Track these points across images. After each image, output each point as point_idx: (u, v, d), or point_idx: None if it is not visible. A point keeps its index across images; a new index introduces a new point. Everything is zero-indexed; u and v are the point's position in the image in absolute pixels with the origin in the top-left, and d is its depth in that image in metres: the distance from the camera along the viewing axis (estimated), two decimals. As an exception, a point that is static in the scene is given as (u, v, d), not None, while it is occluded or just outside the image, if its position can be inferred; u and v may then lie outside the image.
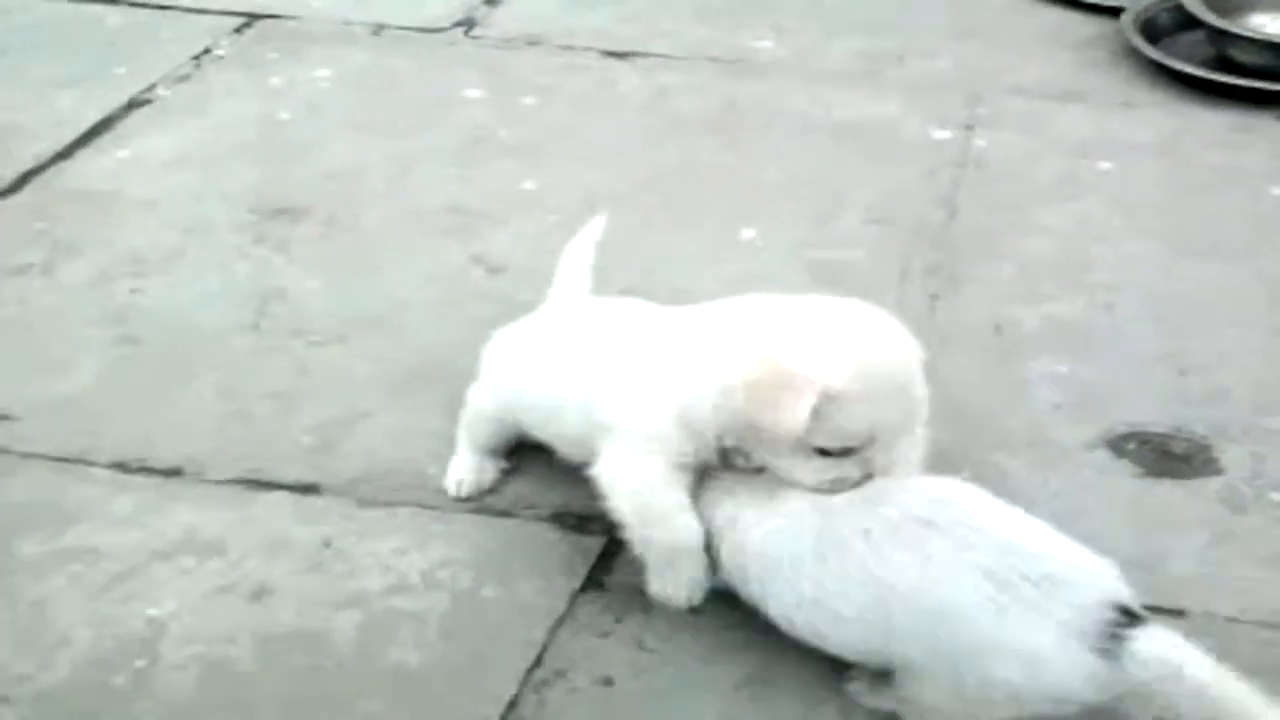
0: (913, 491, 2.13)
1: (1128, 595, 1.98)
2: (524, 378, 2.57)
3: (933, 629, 2.00)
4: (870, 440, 2.13)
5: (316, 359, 3.04)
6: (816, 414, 2.06)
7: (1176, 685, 1.91)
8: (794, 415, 2.05)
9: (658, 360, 2.30)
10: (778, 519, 2.19)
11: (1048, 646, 1.92)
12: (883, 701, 2.19)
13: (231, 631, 2.35)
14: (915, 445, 2.25)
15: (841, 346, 2.09)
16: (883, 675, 2.17)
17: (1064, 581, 1.95)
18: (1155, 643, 1.92)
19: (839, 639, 2.14)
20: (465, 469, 2.66)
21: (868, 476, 2.17)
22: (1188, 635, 2.01)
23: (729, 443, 2.24)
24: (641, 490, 2.30)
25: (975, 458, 2.63)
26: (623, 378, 2.32)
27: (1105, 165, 3.82)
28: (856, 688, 2.22)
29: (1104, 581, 1.98)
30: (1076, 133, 3.98)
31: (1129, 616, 1.94)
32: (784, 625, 2.20)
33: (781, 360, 2.07)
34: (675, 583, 2.35)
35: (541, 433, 2.57)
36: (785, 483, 2.20)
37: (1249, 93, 4.07)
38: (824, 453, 2.14)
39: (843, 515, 2.13)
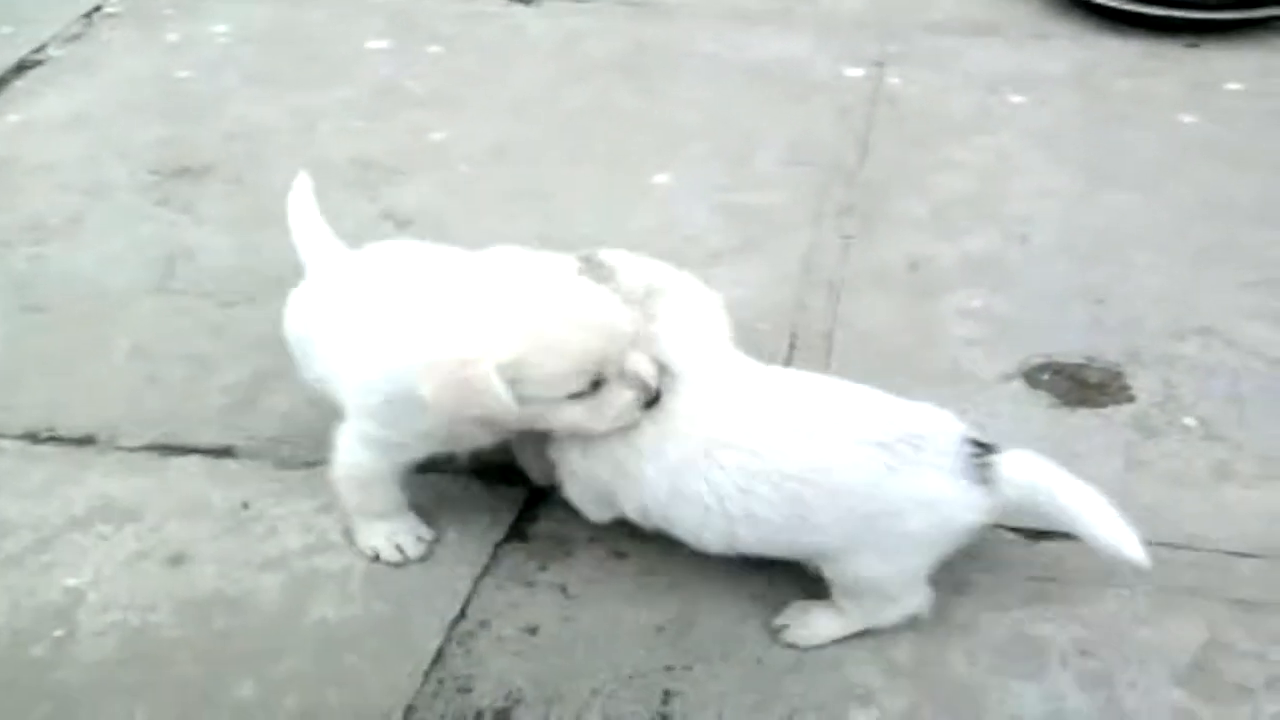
0: (768, 389, 2.19)
1: (976, 431, 2.16)
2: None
3: (844, 506, 2.08)
4: (599, 373, 2.10)
5: (228, 319, 2.99)
6: (512, 383, 2.05)
7: (1049, 499, 2.15)
8: (496, 399, 2.05)
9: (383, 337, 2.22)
10: (667, 447, 2.17)
11: (942, 490, 2.09)
12: (815, 634, 2.23)
13: (151, 598, 2.32)
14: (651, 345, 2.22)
15: (502, 318, 2.07)
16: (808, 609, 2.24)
17: (928, 433, 2.11)
18: (1020, 465, 2.14)
19: (754, 540, 2.16)
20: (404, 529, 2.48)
21: (645, 392, 2.14)
22: (1104, 559, 2.12)
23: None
24: (360, 484, 2.35)
25: (892, 393, 2.63)
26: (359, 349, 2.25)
27: (1018, 99, 3.83)
28: (790, 631, 2.25)
29: (954, 424, 2.15)
30: (989, 67, 3.99)
31: (984, 448, 2.12)
32: (694, 542, 2.20)
33: (451, 350, 2.06)
34: (382, 535, 2.39)
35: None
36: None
37: (1159, 21, 4.10)
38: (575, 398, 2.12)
39: (724, 425, 2.14)
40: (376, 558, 2.38)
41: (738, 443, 2.10)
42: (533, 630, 2.26)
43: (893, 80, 3.89)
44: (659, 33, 4.17)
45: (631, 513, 2.24)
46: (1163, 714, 2.12)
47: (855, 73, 3.93)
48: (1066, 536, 2.38)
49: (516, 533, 2.45)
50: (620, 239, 3.16)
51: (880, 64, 3.97)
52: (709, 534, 2.16)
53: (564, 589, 2.33)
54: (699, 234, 3.18)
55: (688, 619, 2.27)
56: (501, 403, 2.04)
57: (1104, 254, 3.16)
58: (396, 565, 2.38)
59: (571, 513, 2.44)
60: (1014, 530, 2.42)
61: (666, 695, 2.15)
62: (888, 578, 2.18)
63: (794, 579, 2.31)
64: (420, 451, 2.31)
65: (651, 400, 2.14)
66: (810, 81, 3.90)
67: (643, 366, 2.13)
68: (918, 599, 2.23)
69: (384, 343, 2.17)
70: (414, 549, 2.40)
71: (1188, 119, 3.74)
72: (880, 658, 2.20)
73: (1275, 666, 2.20)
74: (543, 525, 2.46)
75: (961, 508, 2.11)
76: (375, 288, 2.30)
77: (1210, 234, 3.24)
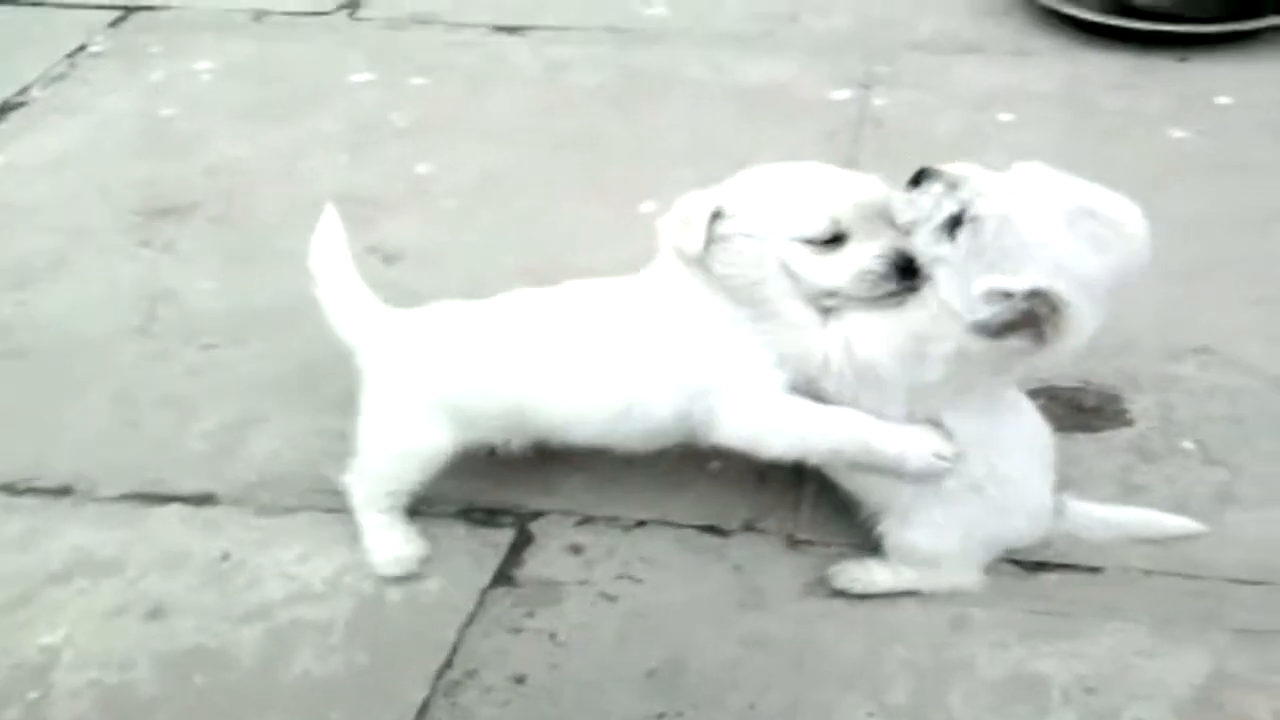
0: None
1: None
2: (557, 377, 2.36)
3: None
4: (836, 225, 2.15)
5: (210, 362, 2.95)
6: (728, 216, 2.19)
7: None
8: (694, 233, 2.19)
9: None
10: None
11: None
12: (866, 583, 2.33)
13: (129, 654, 2.27)
14: None
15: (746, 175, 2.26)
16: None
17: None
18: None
19: None
20: (397, 541, 2.46)
21: (900, 255, 2.14)
22: (1105, 589, 2.13)
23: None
24: (798, 420, 2.23)
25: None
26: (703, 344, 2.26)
27: (1005, 116, 3.79)
28: (840, 577, 2.33)
29: None
30: (975, 85, 3.94)
31: None
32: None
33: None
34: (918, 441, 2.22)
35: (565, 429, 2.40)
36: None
37: (1145, 36, 4.06)
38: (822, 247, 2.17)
39: None
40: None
41: None
42: (520, 679, 2.21)
43: (879, 101, 3.85)
44: (644, 59, 4.13)
45: None
46: (1169, 752, 2.08)
47: (841, 94, 3.89)
48: (1066, 567, 2.37)
49: (503, 577, 2.40)
50: (608, 269, 3.14)
51: (866, 85, 3.93)
52: None
53: (552, 635, 2.29)
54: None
55: (679, 663, 2.22)
56: (696, 236, 2.18)
57: (1098, 274, 3.10)
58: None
59: (557, 555, 2.41)
60: (1012, 562, 2.38)
61: (659, 743, 2.11)
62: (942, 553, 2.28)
63: (790, 622, 2.28)
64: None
65: (909, 268, 2.13)
66: (796, 104, 3.86)
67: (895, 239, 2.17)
68: (970, 576, 2.31)
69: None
70: None
71: (1178, 133, 3.70)
72: (875, 701, 2.15)
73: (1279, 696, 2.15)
74: (530, 569, 2.41)
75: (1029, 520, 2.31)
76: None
77: (1205, 250, 3.19)
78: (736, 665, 2.22)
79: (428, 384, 2.40)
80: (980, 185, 2.09)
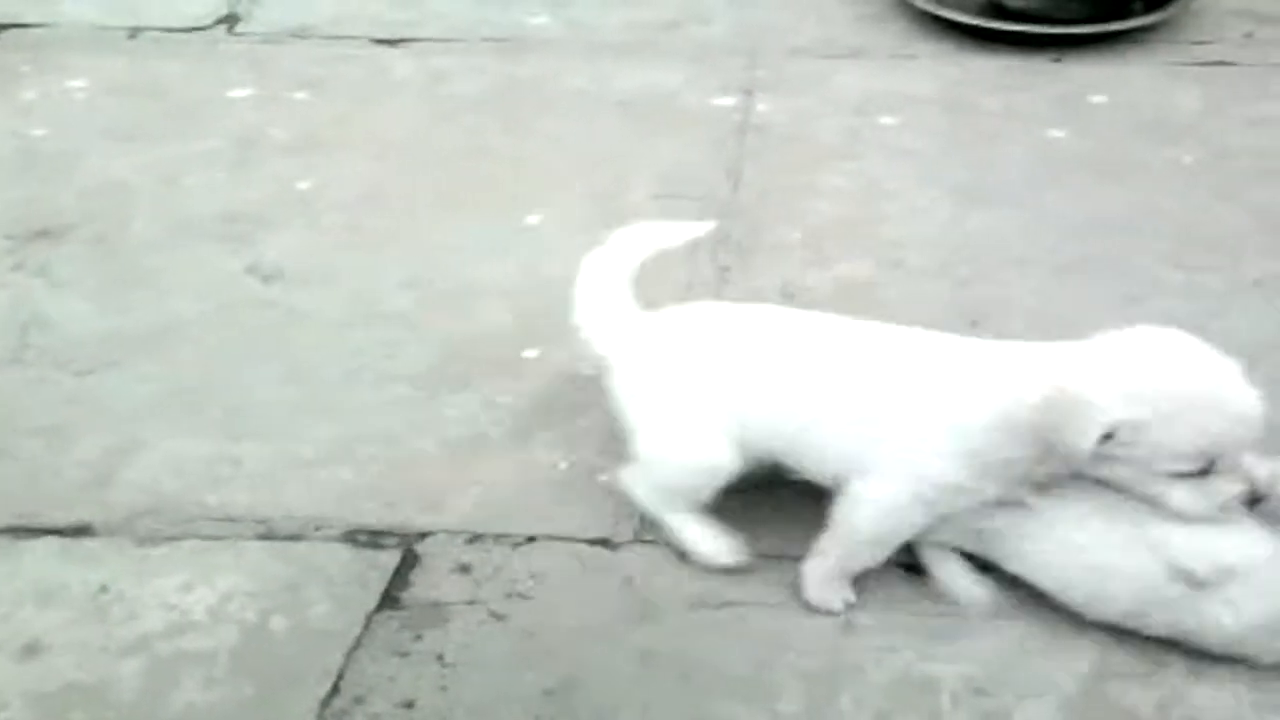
0: None
1: None
2: (802, 407, 2.32)
3: None
4: (1211, 459, 2.11)
5: (86, 388, 2.88)
6: (1119, 440, 2.08)
7: None
8: (1083, 438, 2.08)
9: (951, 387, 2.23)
10: None
11: None
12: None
13: (1, 694, 2.20)
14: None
15: (1138, 374, 2.11)
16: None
17: None
18: None
19: None
20: (712, 533, 2.43)
21: (1252, 490, 2.15)
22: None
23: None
24: (891, 525, 2.29)
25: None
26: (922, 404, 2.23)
27: (887, 120, 3.82)
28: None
29: None
30: (857, 90, 3.97)
31: None
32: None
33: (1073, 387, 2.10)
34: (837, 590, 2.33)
35: (795, 462, 2.37)
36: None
37: (1022, 37, 4.11)
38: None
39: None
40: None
41: None
42: (409, 704, 2.18)
43: (762, 108, 3.86)
44: (527, 69, 4.10)
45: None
46: (1056, 749, 2.10)
47: (725, 101, 3.89)
48: None
49: (389, 600, 2.36)
50: (492, 283, 3.13)
51: (749, 91, 3.94)
52: None
53: (440, 657, 2.25)
54: (573, 274, 3.10)
55: (573, 681, 2.20)
56: (1085, 445, 2.07)
57: (978, 274, 3.15)
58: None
59: (445, 576, 2.38)
60: (900, 566, 2.39)
61: (553, 761, 2.09)
62: None
63: (681, 634, 2.28)
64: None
65: (1255, 501, 2.14)
66: (680, 112, 3.86)
67: (1260, 467, 2.15)
68: None
69: (992, 386, 2.19)
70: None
71: (1056, 133, 3.76)
72: (768, 710, 2.15)
73: (1161, 690, 2.18)
74: (416, 590, 2.38)
75: None
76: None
77: (1082, 248, 3.25)
78: (629, 681, 2.20)
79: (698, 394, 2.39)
80: None
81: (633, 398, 2.45)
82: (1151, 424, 2.06)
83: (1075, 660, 2.23)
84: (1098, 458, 2.10)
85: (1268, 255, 3.23)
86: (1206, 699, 2.16)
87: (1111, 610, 2.22)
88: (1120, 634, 2.25)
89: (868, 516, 2.27)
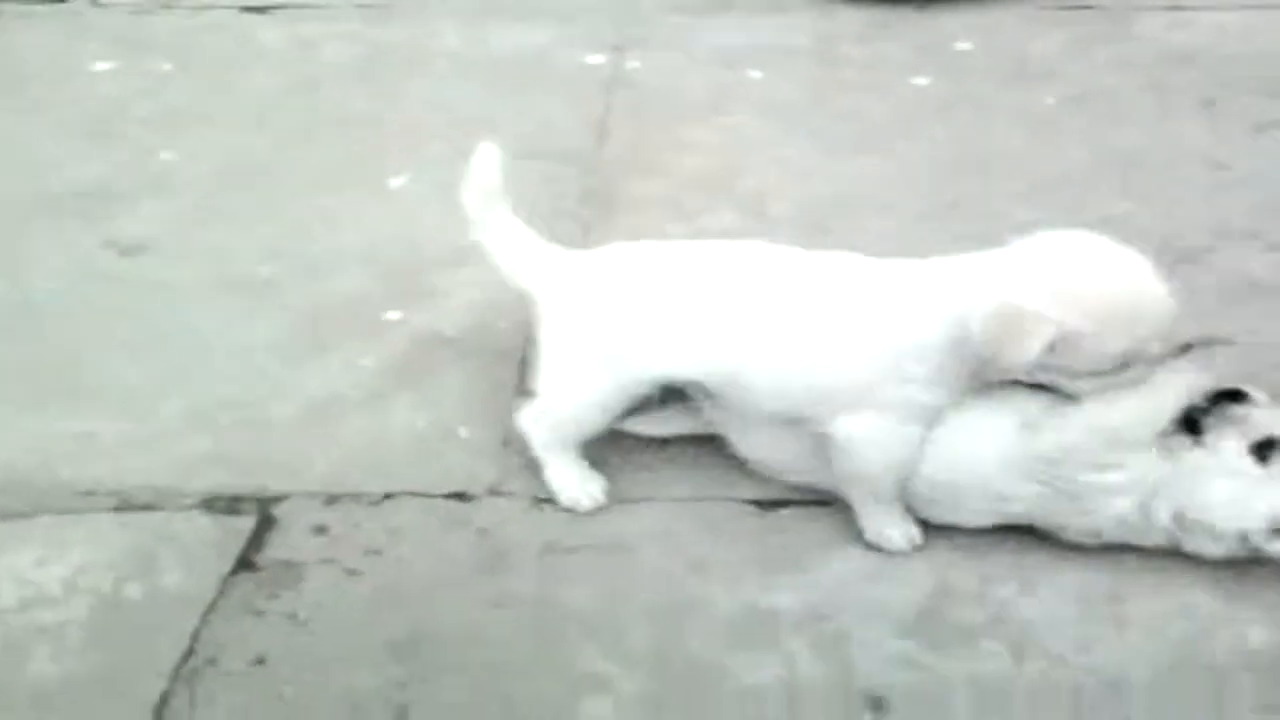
0: None
1: None
2: (729, 339, 2.35)
3: None
4: (1130, 360, 2.20)
5: (-58, 363, 2.85)
6: (1054, 350, 2.16)
7: None
8: (1028, 353, 2.16)
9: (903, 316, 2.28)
10: None
11: None
12: None
13: None
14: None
15: (1073, 285, 2.18)
16: None
17: None
18: None
19: None
20: (580, 478, 2.48)
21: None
22: (835, 520, 2.10)
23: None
24: (898, 454, 2.31)
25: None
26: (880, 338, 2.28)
27: (755, 74, 3.86)
28: None
29: None
30: (726, 44, 4.00)
31: None
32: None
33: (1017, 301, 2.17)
34: (895, 525, 2.37)
35: (737, 400, 2.40)
36: None
37: (890, -12, 4.16)
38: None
39: None
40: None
41: None
42: (260, 661, 2.18)
43: (632, 64, 3.89)
44: (398, 34, 4.10)
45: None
46: (891, 667, 2.15)
47: (595, 59, 3.91)
48: (800, 503, 2.44)
49: (244, 563, 2.36)
50: (356, 248, 3.13)
51: (620, 48, 3.96)
52: None
53: (294, 615, 2.26)
54: (438, 235, 3.11)
55: (422, 633, 2.22)
56: (1029, 356, 2.15)
57: (839, 222, 3.18)
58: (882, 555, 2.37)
59: (301, 536, 2.39)
60: (749, 502, 2.45)
61: (403, 710, 2.10)
62: None
63: (532, 580, 2.31)
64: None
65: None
66: (550, 71, 3.87)
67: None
68: None
69: (938, 301, 2.25)
70: (904, 544, 2.37)
71: (920, 81, 3.82)
72: (614, 646, 2.18)
73: (995, 605, 2.25)
74: (272, 552, 2.38)
75: None
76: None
77: (942, 193, 3.30)
78: (479, 627, 2.22)
79: (615, 329, 2.41)
80: None
81: (551, 334, 2.48)
82: (1086, 334, 2.15)
83: (912, 584, 2.29)
84: (1034, 365, 2.19)
85: (1119, 194, 3.31)
86: (1035, 611, 2.23)
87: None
88: (956, 558, 2.32)
89: (873, 455, 2.31)
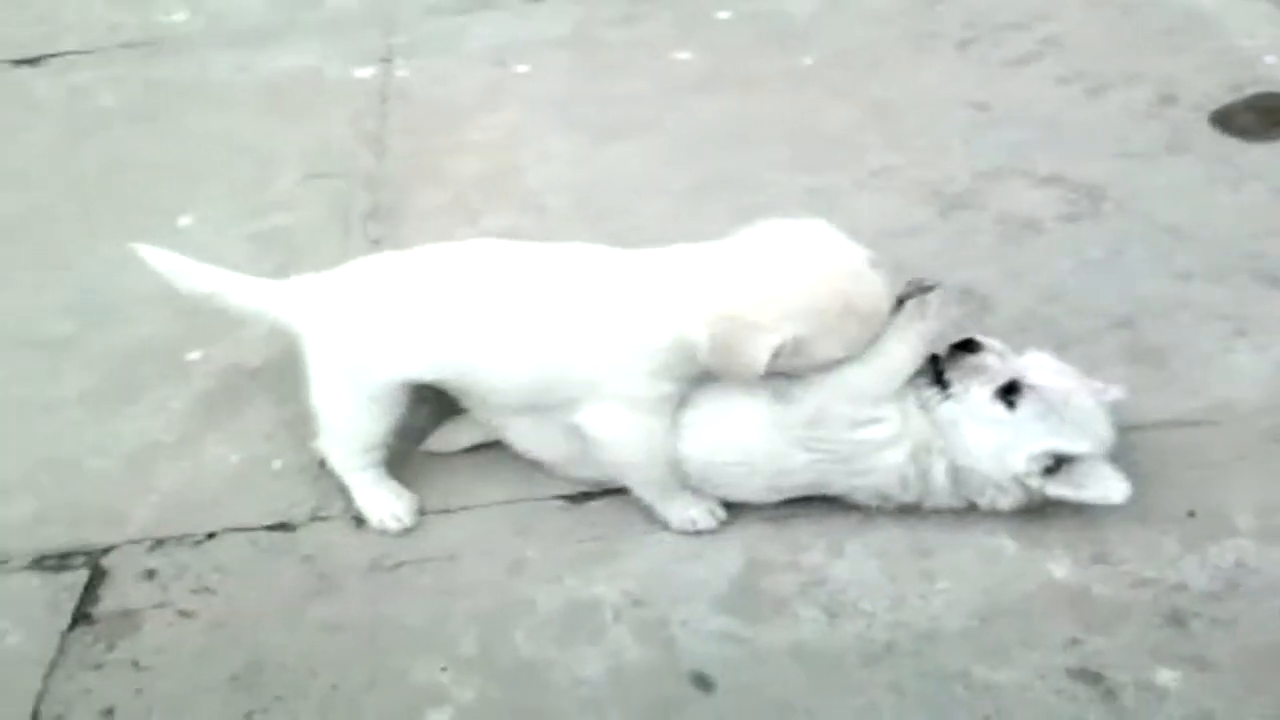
0: None
1: None
2: (466, 334, 2.44)
3: None
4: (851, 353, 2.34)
5: None
6: (779, 356, 2.26)
7: None
8: (756, 365, 2.26)
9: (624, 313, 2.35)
10: None
11: None
12: None
13: None
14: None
15: (789, 291, 2.28)
16: None
17: None
18: None
19: None
20: (386, 499, 2.59)
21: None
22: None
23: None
24: (642, 446, 2.41)
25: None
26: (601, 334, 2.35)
27: (523, 68, 3.98)
28: None
29: None
30: (490, 42, 4.12)
31: None
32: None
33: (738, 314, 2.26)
34: (691, 506, 2.48)
35: (478, 395, 2.52)
36: None
37: (644, -34, 4.29)
38: None
39: None
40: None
41: None
42: (109, 712, 2.28)
43: (402, 73, 3.98)
44: (169, 71, 4.13)
45: None
46: (713, 644, 2.29)
47: (365, 72, 4.00)
48: (611, 493, 2.56)
49: (81, 617, 2.45)
50: (150, 292, 3.15)
51: (388, 59, 4.05)
52: None
53: (135, 663, 2.36)
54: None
55: (261, 663, 2.33)
56: (758, 369, 2.25)
57: (611, 208, 3.33)
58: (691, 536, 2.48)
59: (132, 584, 2.47)
60: (562, 498, 2.58)
61: (250, 740, 2.22)
62: None
63: (360, 601, 2.42)
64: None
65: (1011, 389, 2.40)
66: (322, 90, 3.95)
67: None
68: None
69: (659, 301, 2.34)
70: (705, 520, 2.48)
71: (683, 55, 3.97)
72: (446, 656, 2.31)
73: (807, 572, 2.40)
74: (106, 603, 2.47)
75: None
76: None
77: (709, 166, 3.46)
78: (314, 653, 2.34)
79: (354, 341, 2.50)
80: (1027, 363, 2.43)
81: (311, 357, 2.57)
82: (807, 338, 2.27)
83: (724, 562, 2.43)
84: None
85: (887, 147, 3.51)
86: (846, 574, 2.39)
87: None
88: (767, 531, 2.47)
89: (619, 447, 2.43)
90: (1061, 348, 2.59)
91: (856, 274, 2.33)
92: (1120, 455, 2.44)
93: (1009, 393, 2.36)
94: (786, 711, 2.18)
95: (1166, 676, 2.16)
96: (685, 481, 2.47)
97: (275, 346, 2.92)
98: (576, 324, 2.37)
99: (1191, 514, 2.41)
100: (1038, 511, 2.41)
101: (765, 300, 2.26)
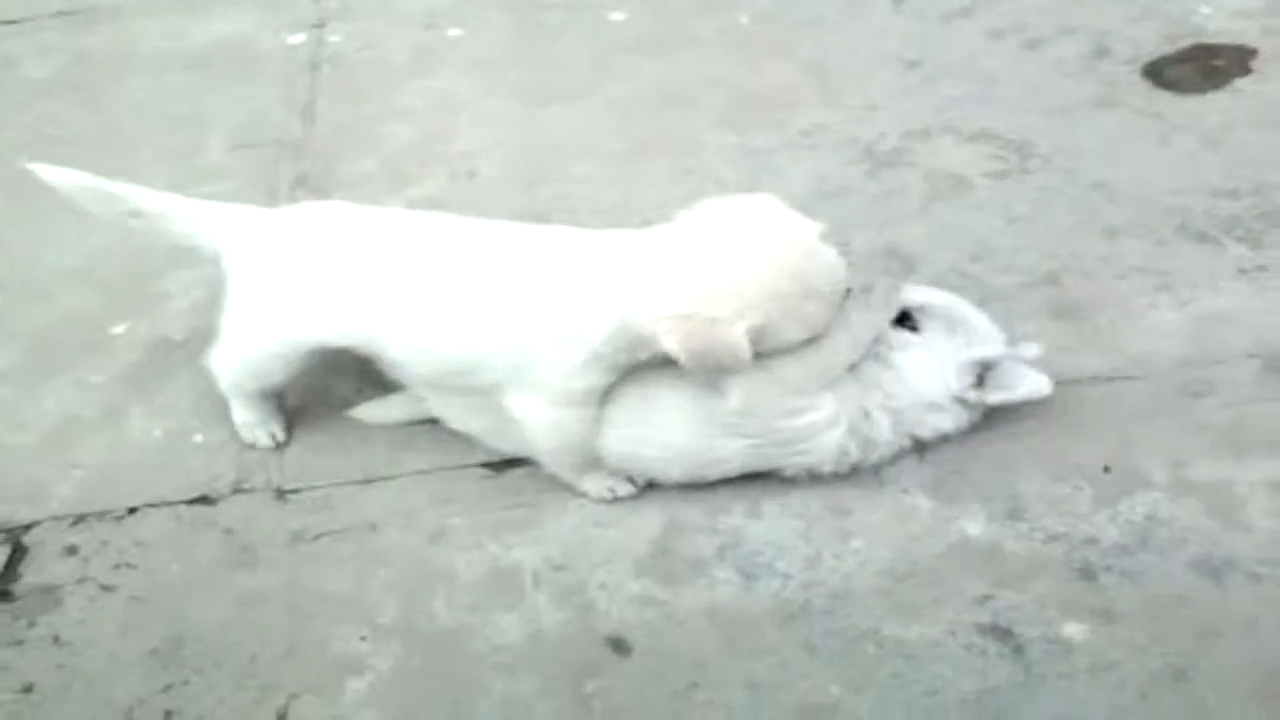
0: None
1: None
2: (390, 304, 2.42)
3: None
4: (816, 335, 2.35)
5: None
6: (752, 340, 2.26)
7: None
8: (739, 356, 2.24)
9: (560, 301, 2.32)
10: None
11: None
12: None
13: None
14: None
15: (744, 281, 2.24)
16: None
17: None
18: None
19: None
20: (262, 418, 2.65)
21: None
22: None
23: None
24: (567, 435, 2.41)
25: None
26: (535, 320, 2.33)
27: (455, 32, 3.95)
28: None
29: None
30: (423, 5, 4.09)
31: None
32: None
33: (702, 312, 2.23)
34: (608, 477, 2.49)
35: (393, 368, 2.51)
36: None
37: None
38: None
39: None
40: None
41: None
42: (29, 689, 2.27)
43: (333, 39, 3.95)
44: (99, 40, 4.09)
45: None
46: (631, 607, 2.31)
47: (297, 39, 3.97)
48: (530, 462, 2.55)
49: (1, 594, 2.44)
50: (75, 267, 3.15)
51: (320, 25, 4.02)
52: None
53: (56, 639, 2.35)
54: (156, 242, 3.13)
55: (182, 637, 2.33)
56: (743, 360, 2.23)
57: (544, 173, 3.32)
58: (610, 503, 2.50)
59: (54, 560, 2.46)
60: (484, 466, 2.58)
61: (168, 715, 2.21)
62: None
63: (281, 572, 2.42)
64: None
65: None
66: (253, 57, 3.92)
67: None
68: None
69: (600, 290, 2.30)
70: (624, 489, 2.50)
71: (617, 16, 3.95)
72: (366, 625, 2.32)
73: (725, 534, 2.42)
74: (27, 580, 2.46)
75: None
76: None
77: (642, 129, 3.46)
78: (233, 624, 2.34)
79: (280, 294, 2.50)
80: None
81: (234, 285, 2.56)
82: (768, 326, 2.25)
83: (644, 526, 2.45)
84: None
85: (820, 105, 3.50)
86: (763, 535, 2.41)
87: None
88: (685, 493, 2.48)
89: (541, 434, 2.43)
90: (985, 304, 2.58)
91: (811, 252, 2.30)
92: (1039, 410, 2.46)
93: (904, 320, 2.42)
94: (700, 672, 2.19)
95: (1074, 629, 2.17)
96: (605, 465, 2.47)
97: (199, 317, 2.91)
98: (508, 307, 2.34)
99: (1106, 469, 2.42)
100: (953, 469, 2.44)
101: (723, 293, 2.23)
